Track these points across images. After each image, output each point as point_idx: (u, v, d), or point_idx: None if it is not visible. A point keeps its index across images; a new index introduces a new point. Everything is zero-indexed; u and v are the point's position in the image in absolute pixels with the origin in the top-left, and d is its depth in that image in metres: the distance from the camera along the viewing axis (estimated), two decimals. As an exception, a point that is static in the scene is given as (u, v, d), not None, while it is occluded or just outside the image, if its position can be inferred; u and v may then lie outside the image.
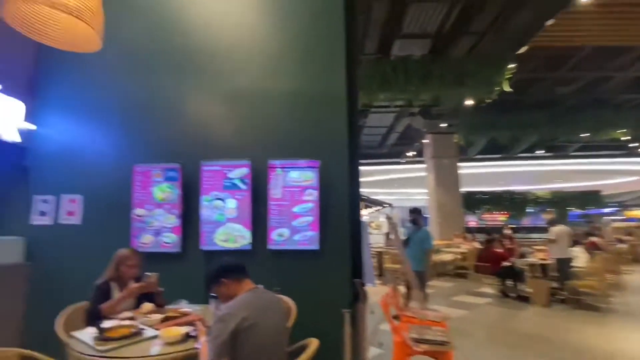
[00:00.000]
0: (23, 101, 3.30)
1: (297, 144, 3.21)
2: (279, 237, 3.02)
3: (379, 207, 15.72)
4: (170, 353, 1.59)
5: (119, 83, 3.49)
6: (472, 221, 20.02)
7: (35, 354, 1.71)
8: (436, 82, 5.91)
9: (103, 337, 1.66)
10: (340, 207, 3.07)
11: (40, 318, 3.07)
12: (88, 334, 1.75)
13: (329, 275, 2.99)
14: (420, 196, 19.96)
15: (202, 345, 1.55)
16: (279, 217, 3.04)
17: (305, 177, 3.05)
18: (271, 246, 3.01)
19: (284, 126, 3.28)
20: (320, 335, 1.88)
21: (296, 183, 3.06)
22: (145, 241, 3.16)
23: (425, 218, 11.23)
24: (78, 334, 1.82)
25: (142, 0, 3.60)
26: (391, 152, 15.02)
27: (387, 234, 10.53)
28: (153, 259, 3.08)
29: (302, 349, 1.81)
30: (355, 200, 3.13)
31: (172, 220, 3.15)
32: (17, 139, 3.22)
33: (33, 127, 3.38)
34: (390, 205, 16.06)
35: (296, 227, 3.01)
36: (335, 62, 3.31)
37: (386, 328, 3.77)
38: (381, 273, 8.58)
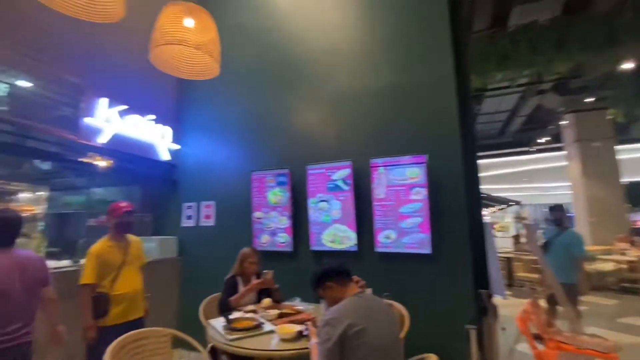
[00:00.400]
0: (170, 126, 4.13)
1: (401, 140, 3.00)
2: (385, 239, 2.87)
3: (502, 206, 13.59)
4: (285, 350, 1.65)
5: (237, 102, 3.98)
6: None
7: (183, 335, 2.04)
8: (576, 46, 4.67)
9: (230, 327, 1.86)
10: (456, 206, 2.71)
11: (188, 303, 3.73)
12: (220, 322, 1.99)
13: (446, 283, 2.66)
14: (559, 191, 16.33)
15: (313, 347, 1.56)
16: (384, 218, 2.89)
17: (411, 175, 2.82)
18: (378, 249, 2.89)
19: (386, 122, 3.12)
20: (438, 350, 1.66)
21: (401, 181, 2.85)
22: (264, 241, 3.48)
23: (570, 217, 9.08)
24: (213, 321, 2.09)
25: (249, 26, 4.04)
26: (515, 140, 12.78)
27: (516, 237, 8.95)
28: (270, 258, 3.36)
29: (419, 364, 1.62)
30: (475, 198, 2.71)
31: (284, 221, 3.38)
32: (168, 157, 4.04)
33: (178, 147, 4.19)
34: (517, 203, 13.68)
35: (404, 229, 2.80)
36: (439, 47, 2.97)
37: (523, 349, 3.14)
38: (511, 283, 7.33)
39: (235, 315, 2.12)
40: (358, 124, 3.25)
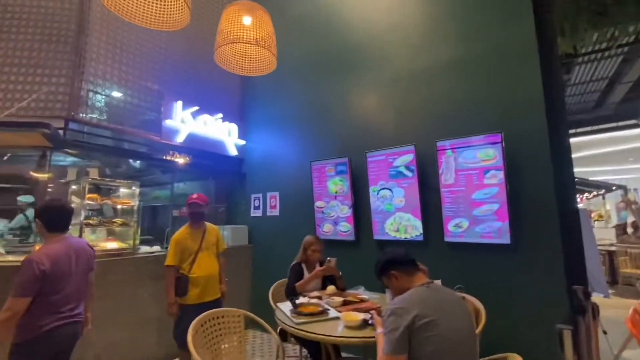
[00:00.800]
0: (236, 123, 4.40)
1: (472, 118, 2.72)
2: (456, 228, 2.65)
3: (601, 192, 11.60)
4: (350, 337, 1.64)
5: (295, 95, 4.06)
6: None
7: (254, 316, 2.17)
8: None
9: (297, 311, 1.91)
10: (542, 190, 2.36)
11: (259, 287, 3.97)
12: (287, 306, 2.07)
13: (530, 277, 2.36)
14: (681, 171, 13.37)
15: (379, 336, 1.51)
16: (454, 205, 2.66)
17: (485, 156, 2.54)
18: (448, 238, 2.68)
19: (453, 100, 2.86)
20: (519, 350, 1.47)
21: (473, 165, 2.59)
22: (326, 230, 3.52)
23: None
24: (281, 305, 2.19)
25: (303, 17, 4.06)
26: (618, 113, 10.70)
27: (621, 227, 7.57)
28: (333, 246, 3.39)
29: (499, 364, 1.46)
30: (566, 181, 2.33)
31: (345, 210, 3.36)
32: (235, 152, 4.32)
33: (243, 142, 4.45)
34: (621, 187, 11.53)
35: (477, 217, 2.55)
36: (517, 8, 2.59)
37: (631, 356, 2.64)
38: (614, 280, 6.25)
39: (301, 300, 2.18)
40: (420, 105, 3.04)
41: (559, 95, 2.68)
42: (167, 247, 3.49)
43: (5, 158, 3.58)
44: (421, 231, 2.82)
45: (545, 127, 2.41)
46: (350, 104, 3.55)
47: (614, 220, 11.22)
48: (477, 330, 1.81)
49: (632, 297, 5.48)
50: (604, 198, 12.63)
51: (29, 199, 4.17)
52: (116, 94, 3.40)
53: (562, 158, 2.42)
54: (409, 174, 2.90)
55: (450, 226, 2.68)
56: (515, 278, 2.42)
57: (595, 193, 11.69)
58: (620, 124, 10.91)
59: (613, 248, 6.42)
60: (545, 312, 2.24)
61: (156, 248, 3.34)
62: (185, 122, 3.77)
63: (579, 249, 2.21)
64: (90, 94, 3.19)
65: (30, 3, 3.13)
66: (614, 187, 11.41)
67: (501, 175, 2.46)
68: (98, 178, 3.21)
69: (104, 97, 3.28)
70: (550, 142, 2.39)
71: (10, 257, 2.93)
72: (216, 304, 2.59)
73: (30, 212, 4.15)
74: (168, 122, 3.63)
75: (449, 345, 1.34)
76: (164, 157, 3.62)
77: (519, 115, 2.52)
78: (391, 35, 3.28)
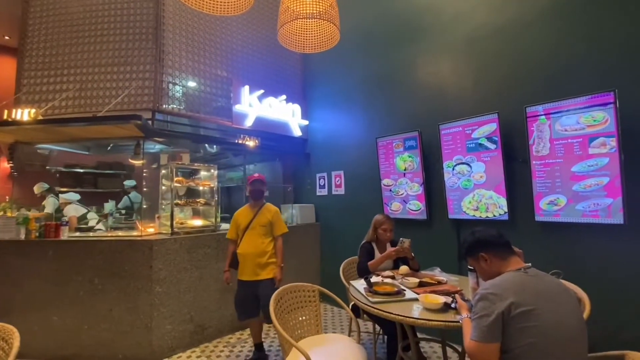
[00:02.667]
0: (299, 104, 4.42)
1: (571, 76, 2.29)
2: (550, 206, 2.32)
3: None
4: (432, 320, 1.56)
5: (357, 68, 3.89)
6: None
7: (328, 292, 2.22)
8: None
9: (372, 290, 1.89)
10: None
11: (328, 264, 4.07)
12: (361, 284, 2.06)
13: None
14: None
15: (464, 321, 1.40)
16: (548, 180, 2.32)
17: (591, 121, 2.13)
18: (540, 218, 2.37)
19: (545, 56, 2.43)
20: (633, 348, 1.24)
21: (574, 132, 2.20)
22: (395, 208, 3.40)
23: None
24: (355, 282, 2.19)
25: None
26: None
27: None
28: (403, 225, 3.27)
29: (616, 363, 1.26)
30: None
31: (416, 188, 3.19)
32: (299, 133, 4.37)
33: (306, 122, 4.47)
34: None
35: (579, 193, 2.18)
36: None
37: None
38: None
39: (374, 279, 2.15)
40: (505, 66, 2.65)
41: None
42: (242, 225, 3.76)
43: (108, 148, 4.17)
44: (506, 210, 2.54)
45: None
46: (419, 72, 3.27)
47: None
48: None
49: None
50: None
51: (132, 182, 4.84)
52: (191, 84, 3.65)
53: None
54: (492, 146, 2.59)
55: (542, 204, 2.35)
56: (629, 264, 2.05)
57: None
58: None
59: None
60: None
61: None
62: (253, 106, 3.91)
63: None
64: (170, 86, 3.47)
65: (110, 6, 3.47)
66: None
67: (613, 142, 2.04)
68: (184, 163, 3.54)
69: (181, 87, 3.55)
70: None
71: (120, 233, 3.45)
72: (258, 286, 2.58)
73: (133, 195, 4.83)
74: (237, 107, 3.80)
75: (552, 339, 1.18)
76: (236, 141, 3.82)
77: (637, 69, 2.03)
78: (466, -11, 2.89)
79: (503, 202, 2.55)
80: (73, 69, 3.42)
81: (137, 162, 3.75)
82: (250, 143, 3.85)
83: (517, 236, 2.47)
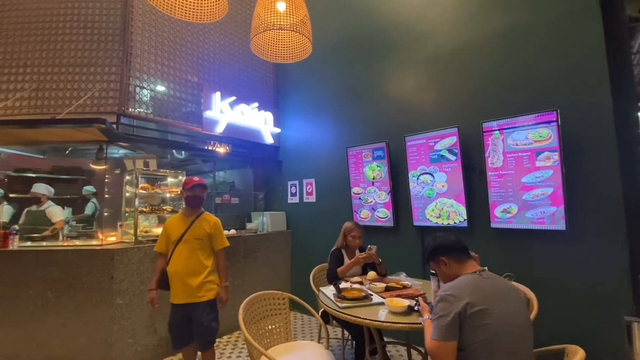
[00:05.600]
0: (271, 112, 4.45)
1: (522, 96, 2.53)
2: (504, 213, 2.52)
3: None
4: (397, 323, 1.64)
5: (329, 79, 4.00)
6: None
7: (298, 299, 2.24)
8: None
9: (340, 295, 1.94)
10: (604, 171, 2.17)
11: (298, 271, 4.08)
12: (330, 290, 2.11)
13: (588, 266, 2.20)
14: None
15: (426, 323, 1.49)
16: (502, 189, 2.52)
17: (537, 137, 2.36)
18: (495, 224, 2.56)
19: (500, 77, 2.67)
20: (575, 343, 1.39)
21: (523, 146, 2.42)
22: (364, 216, 3.50)
23: None
24: (324, 289, 2.23)
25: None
26: (691, 82, 9.41)
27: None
28: (371, 232, 3.38)
29: (557, 356, 1.40)
30: (634, 160, 2.11)
31: (384, 196, 3.31)
32: (271, 140, 4.39)
33: (279, 130, 4.50)
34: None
35: (528, 202, 2.40)
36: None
37: None
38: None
39: (343, 285, 2.21)
40: (463, 84, 2.87)
41: (626, 66, 2.40)
42: (211, 233, 3.68)
43: (67, 152, 3.93)
44: (465, 217, 2.72)
45: (609, 101, 2.18)
46: (387, 86, 3.44)
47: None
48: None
49: None
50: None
51: (92, 189, 4.57)
52: (160, 88, 3.56)
53: (628, 135, 2.19)
54: (452, 157, 2.78)
55: (497, 211, 2.55)
56: (571, 266, 2.27)
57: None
58: (695, 95, 9.59)
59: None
60: (605, 303, 2.10)
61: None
62: (224, 113, 3.88)
63: (649, 236, 2.01)
64: (137, 89, 3.37)
65: (79, 5, 3.33)
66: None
67: (556, 156, 2.28)
68: (148, 169, 3.42)
69: (149, 91, 3.46)
70: (615, 118, 2.17)
71: (77, 242, 3.25)
72: (194, 310, 2.18)
73: (96, 201, 4.56)
74: (208, 113, 3.76)
75: (502, 335, 1.29)
76: (206, 147, 3.77)
77: (577, 91, 2.30)
78: (430, 10, 3.10)
79: (463, 210, 2.73)
80: (30, 68, 3.22)
81: (100, 168, 3.58)
82: (221, 150, 3.81)
83: (475, 242, 2.65)
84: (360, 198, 3.53)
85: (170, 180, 3.57)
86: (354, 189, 3.58)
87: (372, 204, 3.42)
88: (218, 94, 3.84)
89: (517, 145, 2.45)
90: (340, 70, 3.89)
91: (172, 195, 3.45)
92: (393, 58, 3.39)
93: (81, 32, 3.30)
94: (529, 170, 2.39)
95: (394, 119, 3.32)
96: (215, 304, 2.29)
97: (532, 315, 1.84)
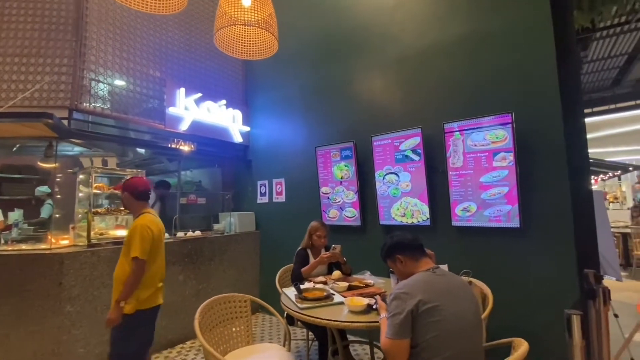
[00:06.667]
0: (240, 110, 4.35)
1: (481, 99, 2.62)
2: (464, 212, 2.60)
3: (617, 172, 11.25)
4: (354, 322, 1.64)
5: (298, 78, 3.97)
6: None
7: (260, 301, 2.19)
8: None
9: (302, 296, 1.92)
10: (554, 172, 2.28)
11: (267, 272, 4.02)
12: (293, 291, 2.08)
13: (539, 262, 2.31)
14: (702, 151, 12.87)
15: (382, 321, 1.50)
16: (462, 189, 2.60)
17: (494, 138, 2.45)
18: (456, 223, 2.64)
19: (460, 80, 2.75)
20: (528, 335, 1.45)
21: (482, 147, 2.51)
22: (332, 215, 3.50)
23: None
24: (287, 290, 2.20)
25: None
26: (636, 90, 10.23)
27: (638, 208, 7.38)
28: (339, 231, 3.38)
29: (505, 349, 1.45)
30: (580, 162, 2.24)
31: (351, 196, 3.32)
32: (240, 139, 4.29)
33: (248, 129, 4.41)
34: (638, 168, 11.17)
35: (486, 201, 2.49)
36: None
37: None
38: (627, 263, 6.14)
39: (306, 285, 2.19)
40: (427, 86, 2.93)
41: (574, 73, 2.55)
42: (174, 234, 3.54)
43: (14, 149, 3.64)
44: (428, 216, 2.78)
45: (558, 107, 2.30)
46: (355, 86, 3.46)
47: (630, 202, 10.95)
48: (484, 315, 1.79)
49: (646, 279, 5.39)
50: (619, 179, 12.28)
51: (46, 189, 4.26)
52: (119, 82, 3.37)
53: (576, 139, 2.32)
54: (416, 157, 2.83)
55: (458, 210, 2.62)
56: (524, 262, 2.38)
57: (611, 174, 11.35)
58: (635, 102, 10.46)
59: (628, 230, 6.28)
60: (555, 296, 2.21)
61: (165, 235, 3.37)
62: (189, 109, 3.74)
63: (592, 232, 2.14)
64: (93, 83, 3.17)
65: (29, -9, 3.09)
66: (630, 168, 11.05)
67: (511, 157, 2.38)
68: (104, 167, 3.24)
69: (106, 85, 3.27)
70: (564, 123, 2.29)
71: (24, 246, 3.01)
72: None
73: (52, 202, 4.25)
74: (171, 110, 3.61)
75: (452, 331, 1.32)
76: (169, 145, 3.62)
77: (531, 95, 2.41)
78: (397, 12, 3.15)
79: (426, 209, 2.79)
80: (-34, 57, 2.94)
81: (49, 166, 3.34)
82: (185, 148, 3.67)
83: (437, 240, 2.72)
84: (328, 198, 3.53)
85: (129, 179, 3.39)
86: (323, 189, 3.57)
87: (340, 203, 3.43)
88: (182, 90, 3.70)
89: (475, 145, 2.53)
90: (309, 70, 3.86)
91: (132, 195, 3.27)
92: (361, 59, 3.41)
93: (29, 19, 3.05)
94: (487, 170, 2.48)
95: (361, 119, 3.34)
96: (128, 321, 1.93)
97: (488, 310, 1.91)
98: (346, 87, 3.51)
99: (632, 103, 10.72)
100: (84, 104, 3.08)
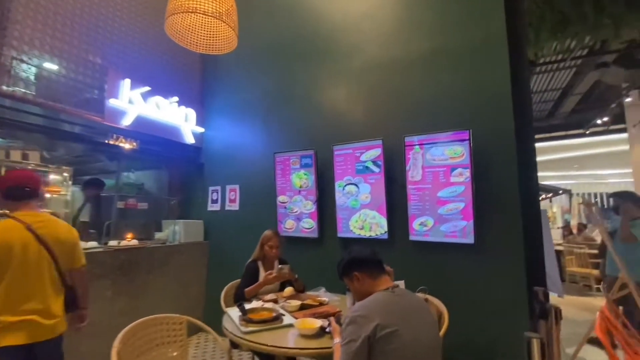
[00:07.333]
0: (194, 109, 4.04)
1: (441, 114, 2.64)
2: (421, 227, 2.56)
3: (548, 195, 12.46)
4: (305, 348, 1.45)
5: (260, 82, 3.78)
6: None
7: (199, 322, 1.91)
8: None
9: (246, 318, 1.69)
10: (507, 190, 2.33)
11: (215, 288, 3.68)
12: (237, 312, 1.84)
13: (493, 278, 2.32)
14: (616, 178, 14.77)
15: (336, 347, 1.34)
16: (420, 203, 2.57)
17: (452, 154, 2.46)
18: (413, 237, 2.59)
19: (422, 95, 2.76)
20: (481, 353, 1.38)
21: (440, 162, 2.51)
22: (289, 226, 3.31)
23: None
24: (230, 310, 1.95)
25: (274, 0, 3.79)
26: (567, 122, 11.50)
27: (569, 228, 8.13)
28: (295, 243, 3.20)
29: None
30: (530, 182, 2.32)
31: (309, 206, 3.17)
32: (192, 140, 3.96)
33: (202, 130, 4.10)
34: (567, 191, 12.49)
35: (443, 216, 2.47)
36: (490, 3, 2.54)
37: (584, 355, 2.73)
38: (562, 278, 6.67)
39: (253, 305, 1.96)
40: (390, 98, 2.91)
41: (527, 97, 2.67)
42: (105, 243, 3.10)
43: None
44: (386, 229, 2.71)
45: (512, 127, 2.37)
46: (318, 93, 3.35)
47: (560, 222, 12.13)
48: (440, 334, 1.71)
49: (577, 294, 5.88)
50: (551, 201, 13.62)
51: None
52: (49, 65, 2.93)
53: (527, 159, 2.40)
54: (376, 169, 2.77)
55: (415, 224, 2.58)
56: (478, 279, 2.38)
57: (544, 196, 12.53)
58: (569, 132, 11.78)
59: (560, 248, 6.85)
60: (508, 314, 2.22)
61: (92, 244, 2.93)
62: (134, 103, 3.36)
63: (540, 250, 2.20)
64: (15, 63, 2.71)
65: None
66: (560, 192, 12.31)
67: (468, 173, 2.39)
68: (12, 160, 2.75)
69: (32, 67, 2.81)
70: (517, 142, 2.36)
71: None
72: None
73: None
74: (113, 102, 3.21)
75: (410, 356, 1.20)
76: (107, 141, 3.20)
77: (487, 114, 2.47)
78: (364, 23, 3.13)
79: (384, 222, 2.72)
80: None
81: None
82: (127, 145, 3.28)
83: (394, 254, 2.65)
84: (285, 207, 3.34)
85: (53, 177, 2.92)
86: (280, 198, 3.38)
87: (298, 213, 3.25)
88: (128, 81, 3.32)
89: (434, 160, 2.53)
90: (272, 73, 3.70)
91: (54, 195, 2.81)
92: (326, 66, 3.33)
93: None
94: (444, 185, 2.48)
95: (323, 127, 3.23)
96: None
97: (443, 329, 1.83)
98: (309, 94, 3.40)
99: (562, 133, 12.03)
100: (3, 86, 2.61)
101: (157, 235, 3.61)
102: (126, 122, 3.30)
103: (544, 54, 5.99)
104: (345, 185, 2.93)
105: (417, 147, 2.60)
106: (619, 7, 4.01)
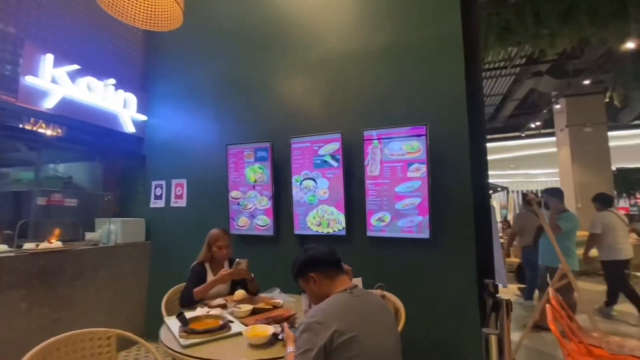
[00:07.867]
0: (135, 94, 3.61)
1: (398, 109, 2.62)
2: (379, 222, 2.52)
3: (489, 192, 13.55)
4: None
5: (212, 68, 3.49)
6: (624, 207, 15.45)
7: (132, 335, 1.66)
8: (584, 19, 4.34)
9: (187, 329, 1.48)
10: (459, 185, 2.37)
11: (158, 293, 3.34)
12: (176, 322, 1.62)
13: (447, 273, 2.36)
14: (545, 177, 16.52)
15: (288, 357, 1.20)
16: (377, 198, 2.53)
17: (410, 149, 2.45)
18: (370, 233, 2.54)
19: (381, 89, 2.72)
20: (439, 348, 1.35)
21: (398, 157, 2.48)
22: (242, 224, 3.10)
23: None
24: (170, 320, 1.71)
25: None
26: (507, 125, 12.58)
27: (507, 222, 8.86)
28: (249, 242, 3.01)
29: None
30: (482, 177, 2.38)
31: (264, 202, 2.99)
32: (132, 129, 3.54)
33: (144, 117, 3.69)
34: (505, 189, 13.68)
35: (400, 211, 2.45)
36: (447, 2, 2.55)
37: (528, 344, 2.91)
38: (499, 268, 7.25)
39: (197, 312, 1.75)
40: (349, 91, 2.83)
41: (480, 96, 2.75)
42: (20, 246, 2.64)
43: None
44: (344, 225, 2.63)
45: (466, 124, 2.41)
46: (275, 83, 3.17)
47: (498, 217, 13.25)
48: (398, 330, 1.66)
49: (512, 282, 6.40)
50: (490, 197, 14.84)
51: None
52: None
53: (479, 156, 2.46)
54: (335, 163, 2.67)
55: (373, 220, 2.54)
56: (433, 273, 2.40)
57: (486, 193, 13.56)
58: (508, 135, 12.90)
59: (501, 240, 7.42)
60: (461, 307, 2.26)
61: (2, 247, 2.46)
62: (59, 83, 2.89)
63: (490, 245, 2.26)
64: None
65: None
66: (499, 189, 13.43)
67: (424, 168, 2.40)
68: None
69: None
70: (470, 140, 2.41)
71: None
72: None
73: None
74: (30, 80, 2.72)
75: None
76: (21, 126, 2.71)
77: (443, 110, 2.49)
78: (323, 13, 3.01)
79: (342, 218, 2.64)
80: None
81: None
82: (49, 132, 2.81)
83: (352, 251, 2.59)
84: (239, 203, 3.11)
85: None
86: (233, 193, 3.14)
87: (252, 210, 3.05)
88: (50, 56, 2.84)
89: (392, 155, 2.50)
90: (225, 59, 3.42)
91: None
92: (283, 55, 3.15)
93: None
94: (402, 180, 2.46)
95: (280, 118, 3.06)
96: None
97: (400, 325, 1.79)
98: (265, 83, 3.20)
99: (502, 135, 13.11)
100: None
101: (89, 235, 3.17)
102: (48, 104, 2.83)
103: (489, 60, 6.39)
104: (303, 180, 2.80)
105: (375, 141, 2.55)
106: (555, 19, 4.39)
